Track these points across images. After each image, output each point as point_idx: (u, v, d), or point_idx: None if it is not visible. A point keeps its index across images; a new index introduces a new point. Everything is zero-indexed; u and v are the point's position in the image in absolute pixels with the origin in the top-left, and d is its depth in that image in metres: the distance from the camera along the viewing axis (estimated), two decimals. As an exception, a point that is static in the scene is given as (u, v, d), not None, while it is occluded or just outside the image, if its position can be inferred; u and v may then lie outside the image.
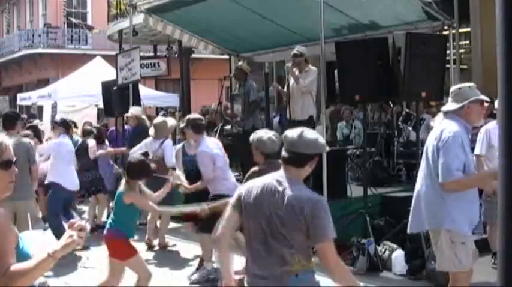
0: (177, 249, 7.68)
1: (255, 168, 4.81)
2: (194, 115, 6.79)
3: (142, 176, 5.14)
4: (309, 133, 2.95)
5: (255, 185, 2.97)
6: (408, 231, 4.62)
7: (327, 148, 3.08)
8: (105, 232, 5.20)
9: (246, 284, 2.99)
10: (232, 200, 3.02)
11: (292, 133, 2.94)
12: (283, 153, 2.96)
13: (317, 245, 2.82)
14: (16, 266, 2.16)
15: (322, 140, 3.00)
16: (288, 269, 2.83)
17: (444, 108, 4.36)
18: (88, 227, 2.41)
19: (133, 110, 9.44)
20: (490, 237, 6.11)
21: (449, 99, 4.35)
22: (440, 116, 4.50)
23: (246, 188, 3.00)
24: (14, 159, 2.34)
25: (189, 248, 7.43)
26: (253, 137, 4.74)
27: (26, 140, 6.45)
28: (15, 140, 5.94)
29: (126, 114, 10.10)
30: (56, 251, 2.22)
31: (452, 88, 4.40)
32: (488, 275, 5.54)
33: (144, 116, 9.58)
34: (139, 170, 5.08)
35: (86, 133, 9.30)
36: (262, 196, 2.89)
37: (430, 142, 4.26)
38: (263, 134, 4.76)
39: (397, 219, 7.01)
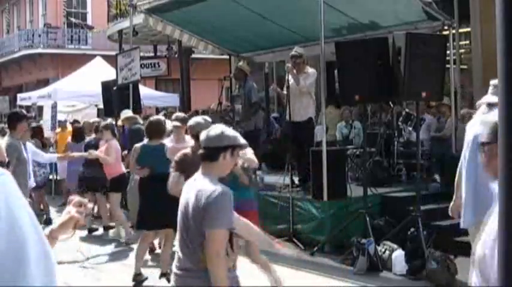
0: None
1: (187, 150, 4.99)
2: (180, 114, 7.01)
3: None
4: (215, 128, 3.18)
5: (187, 184, 3.20)
6: (462, 226, 4.60)
7: (242, 140, 3.19)
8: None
9: (172, 280, 3.16)
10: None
11: (203, 132, 3.20)
12: (200, 151, 3.19)
13: (206, 232, 2.90)
14: None
15: (229, 132, 3.16)
16: (201, 264, 2.93)
17: (487, 99, 4.33)
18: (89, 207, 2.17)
19: (123, 114, 9.43)
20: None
21: (490, 91, 4.33)
22: (482, 108, 4.47)
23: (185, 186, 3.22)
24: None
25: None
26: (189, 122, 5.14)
27: (21, 140, 6.31)
28: (8, 139, 5.91)
29: (119, 122, 10.11)
30: (53, 230, 1.99)
31: (494, 81, 4.39)
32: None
33: (135, 115, 9.60)
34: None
35: (96, 130, 9.31)
36: (184, 195, 3.11)
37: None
38: (198, 118, 5.19)
39: (397, 219, 7.01)
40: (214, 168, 3.09)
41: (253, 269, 4.94)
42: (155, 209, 5.78)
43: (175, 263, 3.12)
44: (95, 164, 8.48)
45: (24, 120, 6.34)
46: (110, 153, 8.10)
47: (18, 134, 6.20)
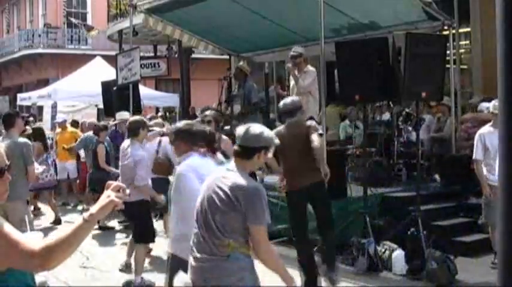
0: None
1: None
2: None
3: None
4: (255, 128, 3.22)
5: (212, 175, 3.27)
6: None
7: (277, 141, 3.29)
8: None
9: (189, 266, 3.23)
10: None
11: (240, 128, 3.26)
12: (234, 147, 3.26)
13: (250, 227, 3.06)
14: (47, 241, 1.93)
15: (268, 133, 3.24)
16: (221, 251, 3.06)
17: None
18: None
19: (122, 116, 9.34)
20: (492, 237, 6.12)
21: None
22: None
23: (207, 180, 3.28)
24: (8, 163, 2.09)
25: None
26: None
27: (23, 140, 6.30)
28: (10, 141, 5.87)
29: (113, 122, 10.06)
30: (92, 214, 1.96)
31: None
32: (488, 275, 5.55)
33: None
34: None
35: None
36: (210, 185, 3.19)
37: None
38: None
39: (397, 219, 7.01)
40: (247, 165, 3.21)
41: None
42: None
43: (194, 248, 3.17)
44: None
45: (20, 117, 6.31)
46: None
47: (16, 132, 6.15)
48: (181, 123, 4.41)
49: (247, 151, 3.17)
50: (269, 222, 3.12)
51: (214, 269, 3.07)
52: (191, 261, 3.19)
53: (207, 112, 6.95)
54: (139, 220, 6.25)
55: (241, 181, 3.10)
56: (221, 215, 3.07)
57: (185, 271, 3.51)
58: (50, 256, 1.91)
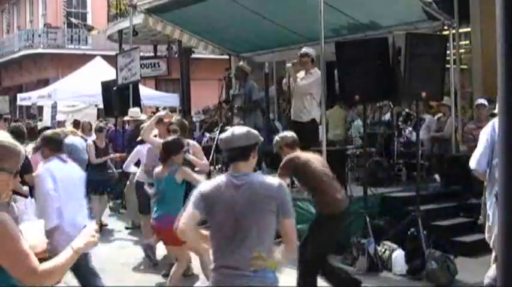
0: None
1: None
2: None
3: (178, 151, 5.52)
4: (239, 128, 3.23)
5: (214, 184, 3.11)
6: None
7: (261, 138, 3.24)
8: (155, 221, 5.44)
9: (211, 281, 3.11)
10: (193, 199, 3.11)
11: (223, 135, 3.21)
12: (226, 153, 3.18)
13: (284, 220, 3.04)
14: (45, 265, 2.26)
15: (253, 131, 3.22)
16: (248, 265, 2.92)
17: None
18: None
19: (132, 113, 9.25)
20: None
21: None
22: None
23: (208, 187, 3.10)
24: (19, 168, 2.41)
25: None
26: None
27: None
28: None
29: (125, 118, 10.03)
30: (79, 247, 2.40)
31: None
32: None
33: (143, 117, 9.42)
34: (174, 147, 5.52)
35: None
36: (224, 193, 3.03)
37: None
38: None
39: (397, 219, 7.01)
40: (247, 167, 3.11)
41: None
42: None
43: (218, 261, 3.05)
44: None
45: (1, 119, 6.24)
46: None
47: None
48: (49, 132, 5.05)
49: (242, 150, 3.08)
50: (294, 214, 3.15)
51: (238, 285, 2.94)
52: (215, 273, 3.07)
53: (173, 119, 6.91)
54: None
55: (265, 179, 3.08)
56: (256, 220, 2.98)
57: None
58: (47, 278, 2.27)
